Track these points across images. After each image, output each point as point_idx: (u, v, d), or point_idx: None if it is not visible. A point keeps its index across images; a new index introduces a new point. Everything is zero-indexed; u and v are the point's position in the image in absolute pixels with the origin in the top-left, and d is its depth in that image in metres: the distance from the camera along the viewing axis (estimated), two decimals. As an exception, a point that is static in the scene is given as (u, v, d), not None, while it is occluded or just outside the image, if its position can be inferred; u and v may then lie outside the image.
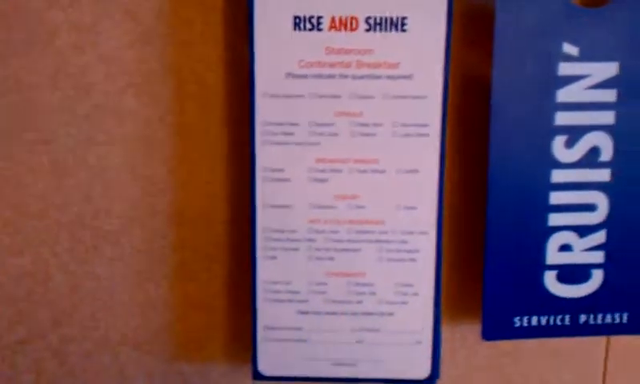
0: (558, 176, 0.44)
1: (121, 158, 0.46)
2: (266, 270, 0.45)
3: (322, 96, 0.42)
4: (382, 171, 0.43)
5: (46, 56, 0.44)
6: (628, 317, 0.46)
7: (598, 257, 0.45)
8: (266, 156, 0.43)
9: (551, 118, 0.43)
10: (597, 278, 0.46)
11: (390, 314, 0.45)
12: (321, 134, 0.43)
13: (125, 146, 0.46)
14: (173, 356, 0.49)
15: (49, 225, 0.47)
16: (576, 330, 0.46)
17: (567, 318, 0.46)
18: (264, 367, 0.46)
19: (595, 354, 0.50)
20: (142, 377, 0.49)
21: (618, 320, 0.46)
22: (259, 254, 0.45)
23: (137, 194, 0.46)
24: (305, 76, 0.42)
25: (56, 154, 0.46)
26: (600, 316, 0.46)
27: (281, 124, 0.43)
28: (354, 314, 0.45)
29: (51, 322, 0.48)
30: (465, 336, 0.49)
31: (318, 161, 0.43)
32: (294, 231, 0.44)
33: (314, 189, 0.44)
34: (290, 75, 0.42)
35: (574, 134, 0.44)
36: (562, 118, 0.43)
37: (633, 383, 0.50)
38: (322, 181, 0.44)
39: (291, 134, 0.43)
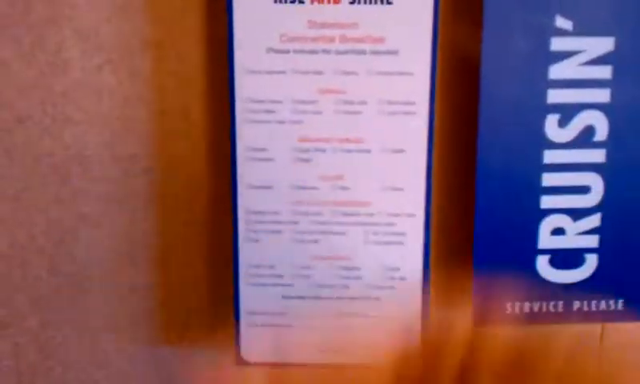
0: (550, 157, 0.43)
1: (99, 138, 0.44)
2: (248, 254, 0.44)
3: (304, 72, 0.41)
4: (368, 151, 0.42)
5: (21, 31, 0.43)
6: (623, 303, 0.45)
7: (593, 241, 0.44)
8: (247, 135, 0.42)
9: (543, 96, 0.42)
10: (591, 262, 0.44)
11: (377, 299, 0.44)
12: (304, 112, 0.41)
13: (103, 125, 0.44)
14: (155, 341, 0.48)
15: (25, 206, 0.45)
16: (570, 316, 0.45)
17: (560, 304, 0.45)
18: (247, 353, 0.45)
19: (589, 341, 0.48)
20: (123, 362, 0.48)
21: (612, 306, 0.45)
22: (241, 236, 0.43)
23: (116, 174, 0.45)
24: (287, 51, 0.41)
25: (31, 133, 0.44)
26: (594, 302, 0.45)
27: (262, 101, 0.41)
28: (340, 298, 0.44)
29: (30, 307, 0.47)
30: (454, 322, 0.47)
31: (302, 140, 0.42)
32: (276, 213, 0.43)
33: (297, 169, 0.42)
34: (270, 50, 0.41)
35: (567, 112, 0.42)
36: (554, 96, 0.42)
37: (628, 372, 0.49)
38: (306, 160, 0.42)
39: (273, 111, 0.41)
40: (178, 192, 0.45)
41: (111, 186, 0.45)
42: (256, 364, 0.45)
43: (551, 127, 0.42)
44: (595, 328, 0.48)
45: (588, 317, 0.45)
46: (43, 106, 0.44)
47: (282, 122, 0.42)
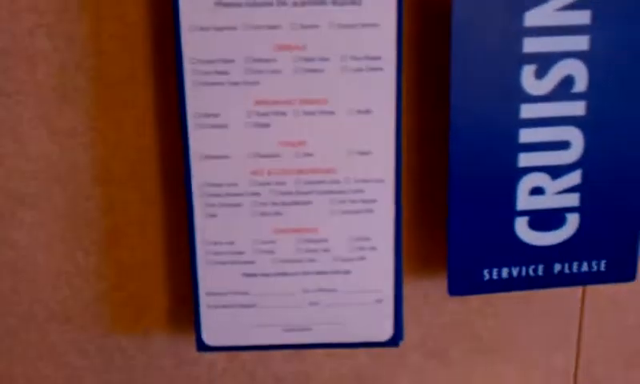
0: (527, 111, 0.40)
1: (34, 111, 0.40)
2: (205, 230, 0.40)
3: (258, 27, 0.37)
4: (332, 112, 0.38)
5: (-62, -7, 0.38)
6: (606, 264, 0.42)
7: (573, 199, 0.41)
8: (198, 99, 0.38)
9: (519, 45, 0.39)
10: (572, 222, 0.42)
11: (347, 272, 0.41)
12: (260, 72, 0.38)
13: (38, 96, 0.40)
14: (108, 329, 0.44)
15: (-45, 189, 0.41)
16: (550, 280, 0.42)
17: (541, 267, 0.42)
18: (209, 337, 0.42)
19: (570, 305, 0.46)
20: (75, 353, 0.44)
21: (595, 268, 0.42)
22: (197, 212, 0.40)
23: (54, 150, 0.41)
24: (238, 4, 0.37)
25: (-43, 107, 0.40)
26: (576, 264, 0.42)
27: (212, 61, 0.37)
28: (307, 273, 0.41)
29: (-33, 299, 0.43)
30: (429, 292, 0.45)
31: (258, 103, 0.38)
32: (234, 184, 0.39)
33: (254, 135, 0.39)
34: (219, 3, 0.37)
35: (545, 62, 0.39)
36: (530, 45, 0.39)
37: (610, 337, 0.47)
38: (264, 126, 0.38)
39: (225, 72, 0.38)
40: (125, 167, 0.41)
41: (50, 164, 0.41)
42: (218, 348, 0.42)
43: (528, 79, 0.39)
44: (576, 290, 0.46)
45: (569, 280, 0.43)
46: (-33, 76, 0.39)
47: (235, 84, 0.38)
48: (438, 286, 0.45)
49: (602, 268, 0.42)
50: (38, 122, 0.40)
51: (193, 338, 0.44)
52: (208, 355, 0.45)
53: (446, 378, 0.46)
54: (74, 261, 0.43)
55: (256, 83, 0.38)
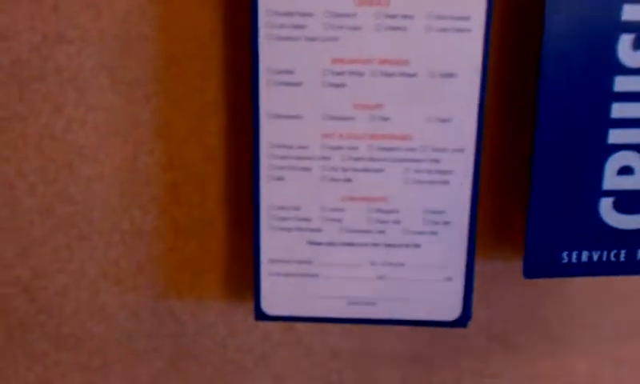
0: (622, 84, 0.37)
1: (96, 59, 0.38)
2: (271, 193, 0.38)
3: (341, -22, 0.35)
4: (412, 75, 0.36)
5: None
6: (693, 252, 0.40)
7: (663, 181, 0.39)
8: (271, 54, 0.36)
9: (617, 12, 0.36)
10: (660, 206, 0.39)
11: (417, 246, 0.39)
12: (339, 28, 0.35)
13: (101, 44, 0.38)
14: (162, 292, 0.42)
15: (12, 138, 0.39)
16: (632, 267, 0.40)
17: (623, 253, 0.39)
18: (268, 306, 0.40)
19: (648, 294, 0.43)
20: (125, 315, 0.43)
21: (681, 256, 0.40)
22: (263, 173, 0.38)
23: (116, 101, 0.39)
24: (320, -47, 0.34)
25: (18, 52, 0.38)
26: (660, 251, 0.40)
27: (290, 14, 0.35)
28: (375, 245, 0.39)
29: (19, 253, 0.41)
30: (500, 272, 0.42)
31: (335, 61, 0.36)
32: (304, 147, 0.37)
33: (329, 95, 0.36)
34: (302, -49, 0.34)
35: (645, 31, 0.36)
36: (629, 12, 0.36)
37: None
38: (339, 86, 0.36)
39: (302, 26, 0.35)
40: (189, 122, 0.39)
41: (111, 115, 0.39)
42: (277, 318, 0.40)
43: (624, 49, 0.36)
44: (655, 280, 0.43)
45: (651, 267, 0.40)
46: (32, 21, 0.37)
47: (312, 39, 0.35)
48: (509, 266, 0.42)
49: (689, 257, 0.40)
50: (100, 71, 0.38)
51: (249, 306, 0.43)
52: (262, 326, 0.43)
53: (510, 364, 0.44)
54: (131, 218, 0.41)
55: (334, 40, 0.35)
